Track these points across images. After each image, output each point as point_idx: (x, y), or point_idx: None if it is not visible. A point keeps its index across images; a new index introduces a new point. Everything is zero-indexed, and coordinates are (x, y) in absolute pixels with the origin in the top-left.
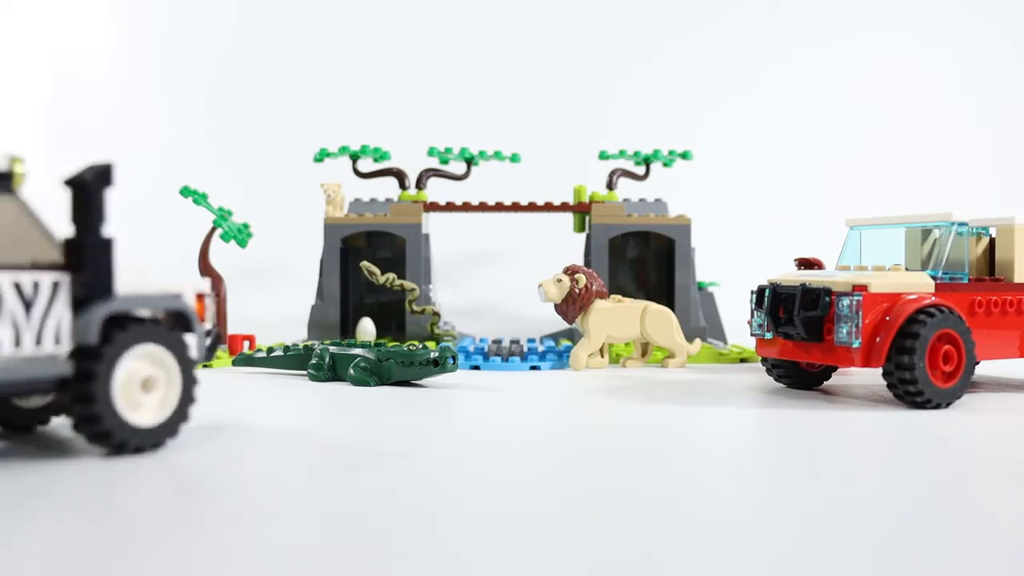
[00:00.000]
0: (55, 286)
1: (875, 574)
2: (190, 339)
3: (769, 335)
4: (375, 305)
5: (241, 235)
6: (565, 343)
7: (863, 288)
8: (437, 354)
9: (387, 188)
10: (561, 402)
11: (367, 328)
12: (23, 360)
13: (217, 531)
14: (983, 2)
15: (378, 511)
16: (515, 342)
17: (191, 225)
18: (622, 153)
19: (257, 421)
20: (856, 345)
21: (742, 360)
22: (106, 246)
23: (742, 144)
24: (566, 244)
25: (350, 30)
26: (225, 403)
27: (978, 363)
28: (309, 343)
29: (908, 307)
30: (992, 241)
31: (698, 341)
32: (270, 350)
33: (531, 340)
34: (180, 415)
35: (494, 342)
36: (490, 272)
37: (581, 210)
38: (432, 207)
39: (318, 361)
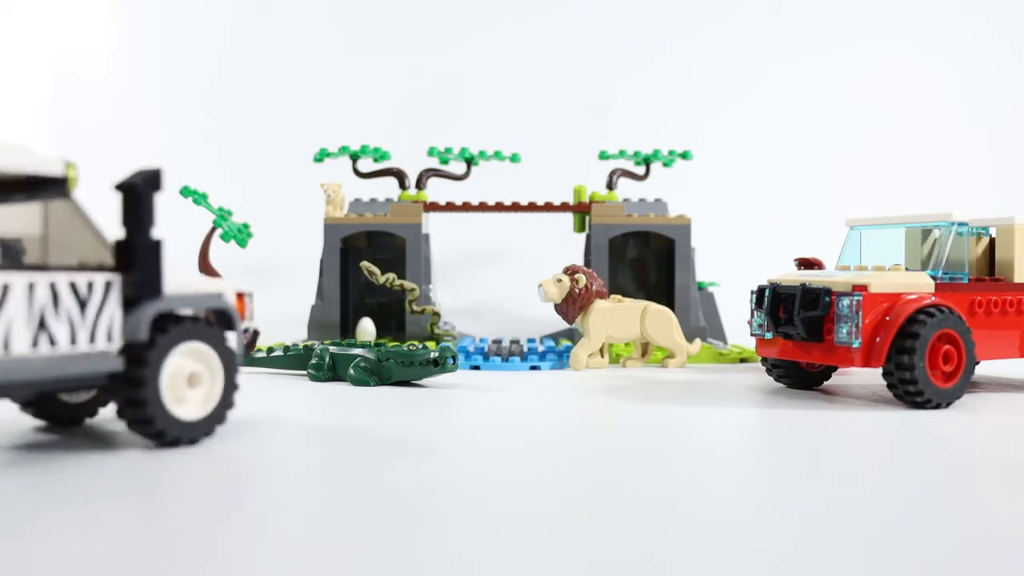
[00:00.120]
0: (107, 286)
1: (875, 574)
2: (231, 337)
3: (769, 335)
4: (375, 305)
5: (241, 235)
6: (565, 343)
7: (863, 288)
8: (437, 354)
9: (387, 188)
10: (561, 402)
11: (367, 328)
12: (78, 356)
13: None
14: (983, 2)
15: (378, 511)
16: (515, 342)
17: (191, 225)
18: (622, 153)
19: (267, 419)
20: (856, 345)
21: (742, 360)
22: (155, 248)
23: (742, 144)
24: (566, 244)
25: (350, 30)
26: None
27: (978, 363)
28: (309, 343)
29: (908, 307)
30: (992, 241)
31: (698, 341)
32: (270, 350)
33: (531, 340)
34: (223, 409)
35: (494, 342)
36: (490, 272)
37: (581, 210)
38: (432, 207)
39: (318, 361)
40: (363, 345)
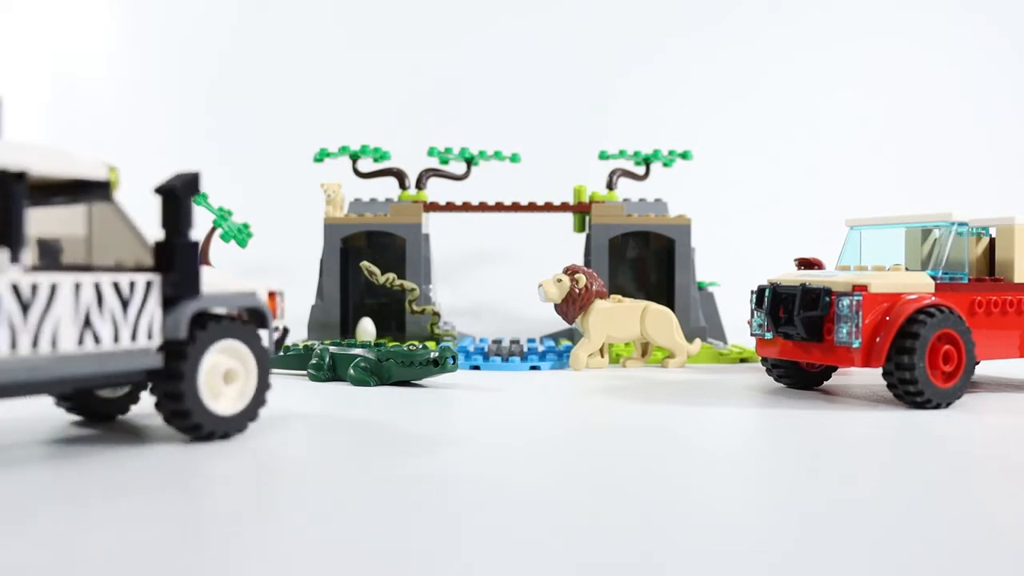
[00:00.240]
0: (148, 286)
1: (875, 574)
2: (264, 334)
3: (769, 335)
4: (375, 305)
5: (241, 235)
6: (565, 343)
7: (863, 288)
8: (437, 354)
9: (387, 188)
10: (561, 402)
11: (367, 328)
12: (120, 353)
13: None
14: (983, 2)
15: (379, 511)
16: (515, 342)
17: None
18: (622, 153)
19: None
20: (856, 345)
21: (742, 360)
22: (194, 249)
23: (742, 144)
24: (566, 244)
25: (350, 30)
26: None
27: (978, 363)
28: (309, 343)
29: (908, 307)
30: (992, 241)
31: (698, 341)
32: None
33: (531, 340)
34: (256, 404)
35: (494, 342)
36: (490, 272)
37: (581, 210)
38: (432, 207)
39: (318, 361)
40: (363, 345)
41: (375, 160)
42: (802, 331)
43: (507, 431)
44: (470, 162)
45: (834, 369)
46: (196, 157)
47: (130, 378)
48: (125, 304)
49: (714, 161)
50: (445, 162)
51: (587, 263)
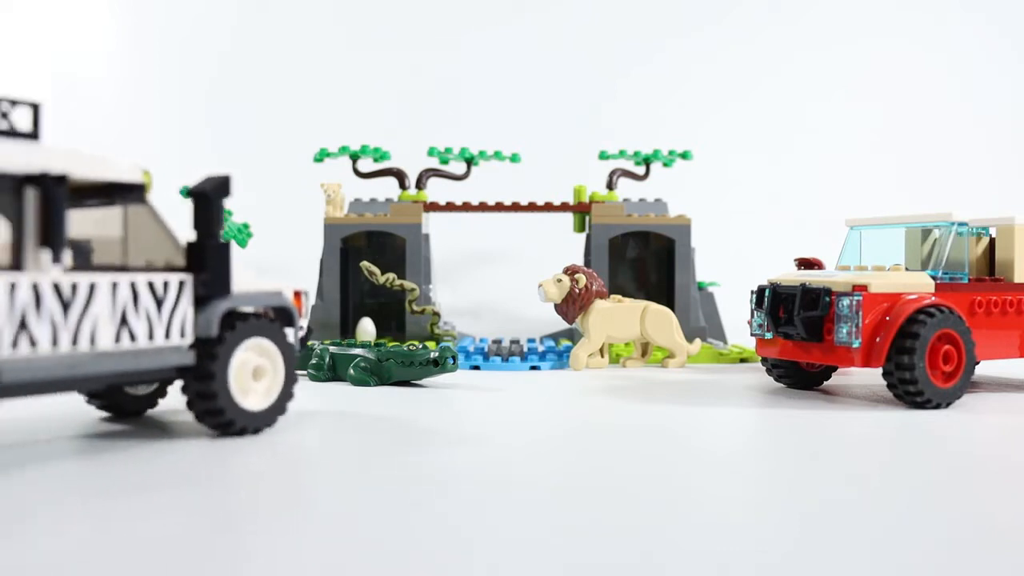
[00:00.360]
0: (181, 285)
1: (875, 574)
2: (290, 332)
3: (769, 335)
4: (375, 305)
5: (241, 235)
6: (565, 343)
7: (863, 288)
8: (437, 354)
9: (387, 188)
10: (561, 402)
11: (367, 328)
12: (154, 351)
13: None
14: (983, 2)
15: (379, 511)
16: (515, 342)
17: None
18: (622, 153)
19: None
20: (856, 345)
21: (742, 360)
22: (224, 249)
23: (742, 144)
24: (566, 244)
25: (350, 30)
26: None
27: (978, 363)
28: (309, 343)
29: (908, 307)
30: (992, 241)
31: (698, 341)
32: None
33: (531, 340)
34: (283, 401)
35: (494, 342)
36: (490, 272)
37: (581, 210)
38: (432, 207)
39: (318, 361)
40: (363, 345)
41: (375, 160)
42: (802, 331)
43: (507, 431)
44: (470, 162)
45: (834, 369)
46: (196, 157)
47: (163, 375)
48: (159, 303)
49: (714, 161)
50: (445, 162)
51: (587, 263)
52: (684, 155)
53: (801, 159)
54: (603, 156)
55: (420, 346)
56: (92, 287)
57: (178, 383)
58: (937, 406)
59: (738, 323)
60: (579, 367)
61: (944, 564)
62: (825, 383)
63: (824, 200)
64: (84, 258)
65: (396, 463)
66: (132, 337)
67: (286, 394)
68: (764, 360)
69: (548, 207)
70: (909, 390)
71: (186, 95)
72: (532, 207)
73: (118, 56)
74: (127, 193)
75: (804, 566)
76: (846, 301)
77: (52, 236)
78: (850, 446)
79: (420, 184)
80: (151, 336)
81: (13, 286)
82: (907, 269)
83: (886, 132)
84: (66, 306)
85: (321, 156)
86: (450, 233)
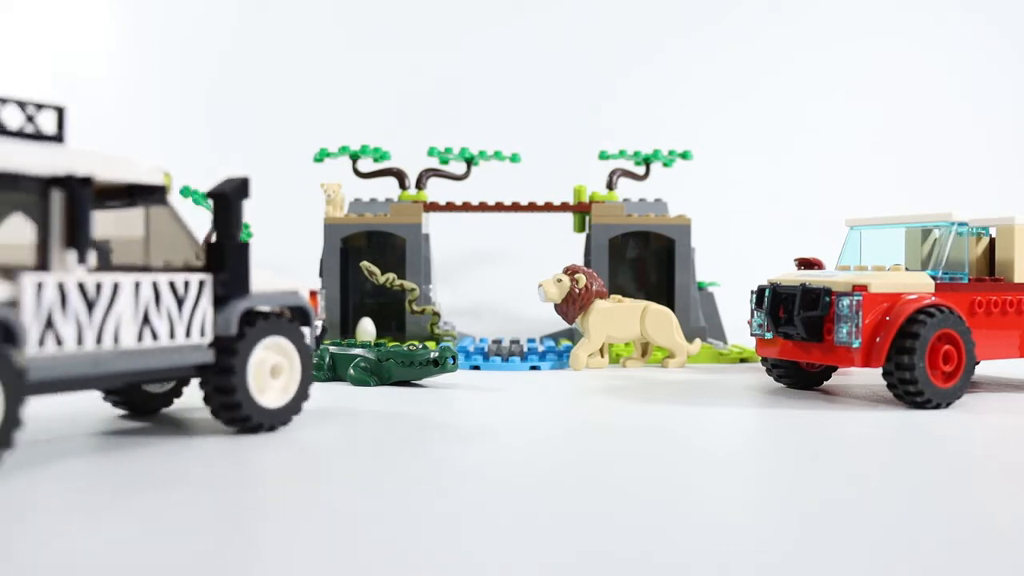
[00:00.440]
0: (201, 285)
1: (875, 574)
2: (306, 331)
3: (769, 335)
4: (375, 305)
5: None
6: (565, 343)
7: (863, 288)
8: (437, 354)
9: (387, 188)
10: (561, 402)
11: (367, 328)
12: (175, 349)
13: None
14: (983, 2)
15: (380, 512)
16: (515, 342)
17: (191, 225)
18: (622, 153)
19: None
20: (856, 345)
21: (742, 360)
22: (244, 250)
23: (742, 144)
24: (566, 244)
25: (350, 30)
26: None
27: (978, 363)
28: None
29: (908, 307)
30: (992, 241)
31: (698, 341)
32: None
33: (531, 340)
34: (300, 398)
35: (494, 342)
36: (490, 272)
37: (581, 210)
38: (432, 207)
39: (318, 361)
40: (363, 345)
41: (375, 160)
42: (802, 331)
43: (507, 431)
44: (470, 162)
45: (834, 369)
46: (196, 157)
47: (183, 373)
48: (180, 302)
49: (714, 161)
50: (445, 162)
51: (587, 263)
52: (684, 155)
53: (801, 159)
54: (603, 156)
55: (420, 346)
56: (116, 287)
57: (194, 381)
58: (937, 406)
59: (738, 323)
60: (579, 367)
61: (944, 564)
62: (825, 383)
63: (824, 200)
64: (108, 258)
65: (401, 462)
66: (154, 336)
67: (303, 392)
68: (764, 360)
69: (548, 207)
70: (909, 390)
71: (186, 95)
72: (532, 207)
73: (118, 56)
74: (148, 194)
75: (804, 566)
76: (846, 301)
77: (77, 237)
78: (850, 446)
79: (420, 184)
80: (172, 335)
81: (40, 286)
82: (907, 269)
83: (886, 132)
84: (91, 305)
85: (321, 156)
86: (450, 233)
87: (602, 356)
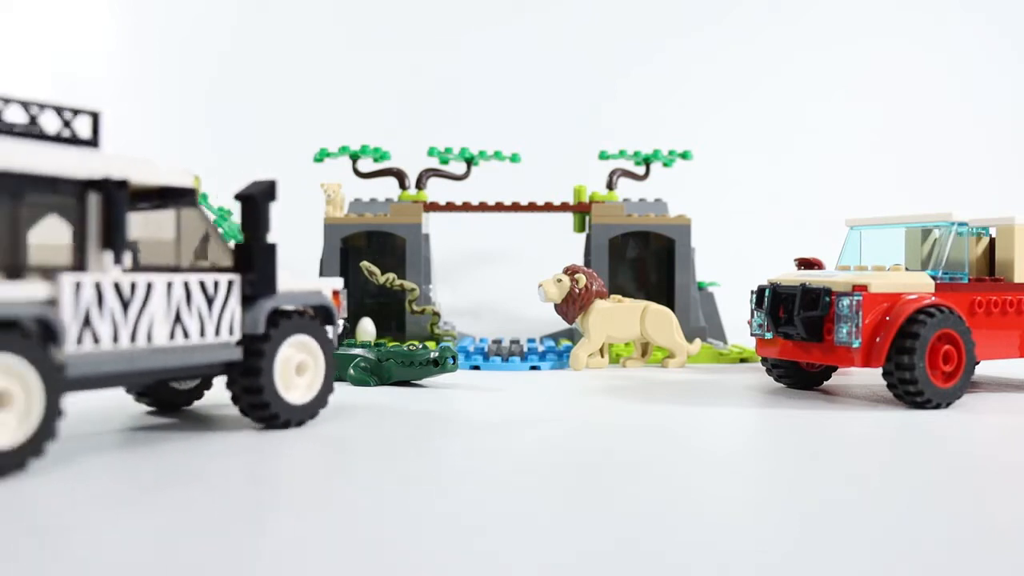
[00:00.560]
0: (229, 285)
1: (875, 574)
2: (330, 330)
3: (769, 335)
4: (375, 305)
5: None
6: (565, 343)
7: (863, 288)
8: (437, 354)
9: (387, 188)
10: (561, 402)
11: (367, 328)
12: (204, 347)
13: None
14: (983, 2)
15: (381, 511)
16: (515, 342)
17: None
18: (622, 153)
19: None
20: (856, 345)
21: (742, 360)
22: (271, 251)
23: (742, 144)
24: (566, 244)
25: (350, 30)
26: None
27: (978, 363)
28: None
29: (908, 307)
30: (992, 241)
31: (698, 341)
32: None
33: (531, 340)
34: (325, 394)
35: (494, 342)
36: (490, 272)
37: (581, 210)
38: (432, 207)
39: None
40: (363, 345)
41: (375, 160)
42: (802, 331)
43: (507, 431)
44: (470, 162)
45: (834, 369)
46: (196, 157)
47: (212, 370)
48: (210, 302)
49: (714, 161)
50: (445, 162)
51: (587, 263)
52: (684, 155)
53: (801, 159)
54: (603, 156)
55: (420, 346)
56: (149, 286)
57: (219, 379)
58: (937, 406)
59: (738, 323)
60: (579, 367)
61: (944, 564)
62: (825, 383)
63: (824, 200)
64: (137, 259)
65: (393, 465)
66: (185, 334)
67: (327, 388)
68: (764, 360)
69: (548, 207)
70: (909, 390)
71: (186, 95)
72: (532, 207)
73: (118, 56)
74: (179, 197)
75: (804, 566)
76: (846, 301)
77: (113, 238)
78: (850, 446)
79: (420, 184)
80: (202, 333)
81: (78, 285)
82: (907, 269)
83: (886, 132)
84: (125, 305)
85: (321, 156)
86: (450, 233)
87: (602, 356)
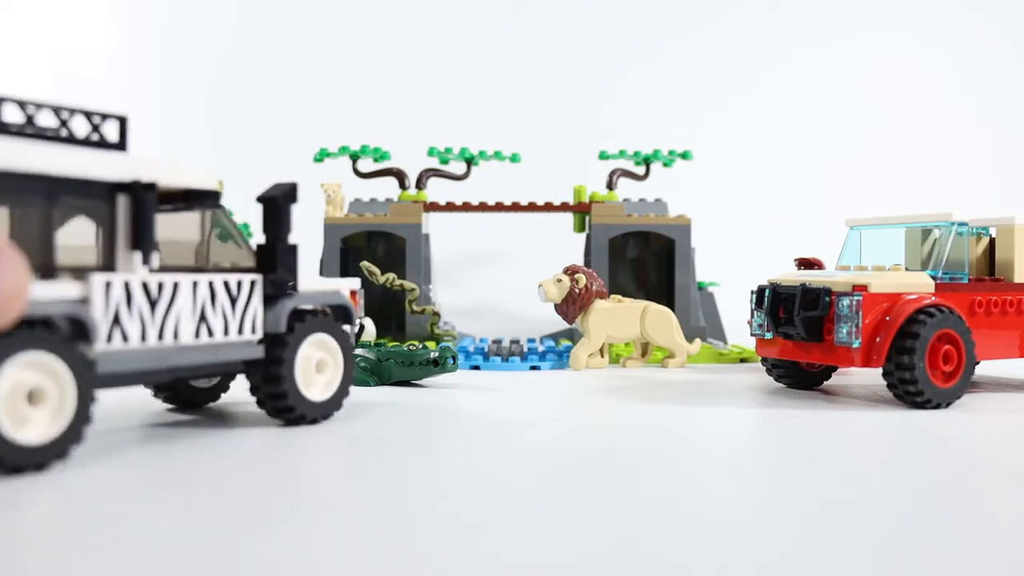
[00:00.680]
0: (252, 285)
1: (875, 574)
2: (348, 329)
3: (769, 335)
4: (375, 305)
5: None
6: (565, 343)
7: (863, 288)
8: (437, 354)
9: (387, 188)
10: (561, 402)
11: (367, 328)
12: (228, 345)
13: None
14: (983, 2)
15: (381, 511)
16: (515, 342)
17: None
18: (622, 153)
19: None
20: (856, 345)
21: (742, 360)
22: (292, 252)
23: (742, 144)
24: (566, 244)
25: (350, 30)
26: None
27: (978, 363)
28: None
29: (908, 307)
30: (992, 241)
31: (698, 341)
32: None
33: (531, 340)
34: (343, 391)
35: (494, 342)
36: (490, 272)
37: (581, 210)
38: (432, 207)
39: None
40: (363, 345)
41: (375, 160)
42: (802, 331)
43: (507, 431)
44: (470, 162)
45: (834, 369)
46: (196, 157)
47: (235, 368)
48: (233, 301)
49: (714, 161)
50: (445, 162)
51: (587, 263)
52: (684, 155)
53: (801, 159)
54: (603, 156)
55: (420, 346)
56: (176, 286)
57: (239, 377)
58: (937, 406)
59: (738, 323)
60: (579, 367)
61: (944, 564)
62: (825, 383)
63: (824, 200)
64: (175, 259)
65: (394, 465)
66: (210, 332)
67: (345, 386)
68: (764, 360)
69: (548, 207)
70: (909, 390)
71: (186, 95)
72: (532, 207)
73: (118, 56)
74: (204, 199)
75: (804, 566)
76: (846, 301)
77: (142, 239)
78: (850, 446)
79: (420, 184)
80: (226, 331)
81: (108, 285)
82: (907, 269)
83: (886, 132)
84: (153, 304)
85: (321, 156)
86: (450, 233)
87: (602, 356)
